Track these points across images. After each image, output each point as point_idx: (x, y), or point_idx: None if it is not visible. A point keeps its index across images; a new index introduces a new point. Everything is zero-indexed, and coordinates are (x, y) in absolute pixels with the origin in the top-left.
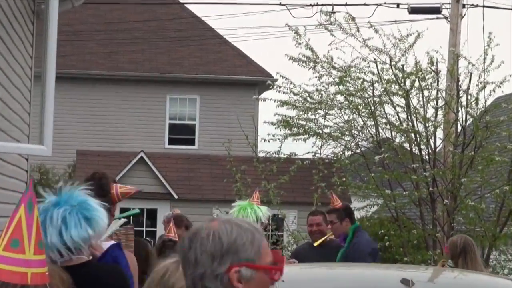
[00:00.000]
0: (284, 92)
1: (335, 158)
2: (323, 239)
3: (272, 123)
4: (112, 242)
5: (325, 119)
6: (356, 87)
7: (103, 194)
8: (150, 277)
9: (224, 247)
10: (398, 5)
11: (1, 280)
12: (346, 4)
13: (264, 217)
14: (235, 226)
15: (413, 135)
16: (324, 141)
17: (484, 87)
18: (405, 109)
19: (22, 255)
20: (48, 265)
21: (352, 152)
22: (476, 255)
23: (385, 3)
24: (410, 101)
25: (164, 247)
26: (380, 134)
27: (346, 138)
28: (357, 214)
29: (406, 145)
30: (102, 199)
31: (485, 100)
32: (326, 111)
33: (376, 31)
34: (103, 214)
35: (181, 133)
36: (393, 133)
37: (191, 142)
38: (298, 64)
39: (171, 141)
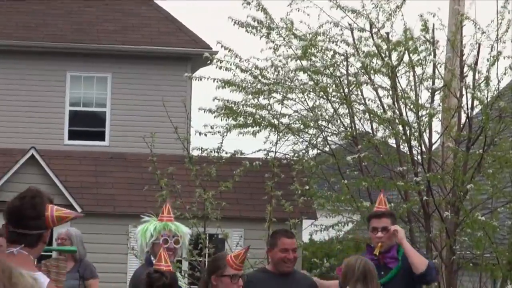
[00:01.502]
0: (227, 69)
1: (295, 158)
2: (379, 245)
3: (211, 111)
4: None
5: (282, 105)
6: (324, 62)
7: (36, 216)
8: None
9: None
10: None
11: None
12: None
13: (153, 236)
14: None
15: (401, 127)
16: (281, 135)
17: (497, 60)
18: (390, 92)
19: None
20: None
21: (318, 151)
22: (378, 285)
23: None
24: (397, 81)
25: (151, 283)
26: (357, 126)
27: (310, 131)
28: (324, 235)
29: (392, 141)
30: (33, 221)
31: (499, 81)
32: (284, 94)
33: None
34: None
35: (87, 124)
36: (374, 125)
37: (100, 136)
38: (247, 30)
39: (73, 135)
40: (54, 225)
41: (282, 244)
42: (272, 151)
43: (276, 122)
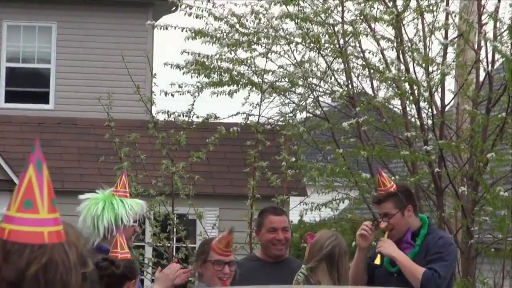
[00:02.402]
0: (197, 16)
1: (281, 122)
2: (379, 256)
3: (178, 66)
4: None
5: (267, 59)
6: (315, 7)
7: None
8: None
9: None
10: None
11: (18, 241)
12: None
13: (130, 215)
14: None
15: (407, 85)
16: (264, 95)
17: None
18: (395, 45)
19: (36, 214)
20: (62, 223)
21: (309, 114)
22: (347, 272)
23: None
24: (404, 31)
25: (99, 273)
26: (354, 84)
27: (298, 91)
28: (315, 215)
29: (397, 103)
30: None
31: None
32: (267, 46)
33: None
34: None
35: (27, 83)
36: (375, 83)
37: (44, 98)
38: None
39: (11, 97)
40: None
41: (269, 222)
42: (253, 114)
43: (258, 79)
